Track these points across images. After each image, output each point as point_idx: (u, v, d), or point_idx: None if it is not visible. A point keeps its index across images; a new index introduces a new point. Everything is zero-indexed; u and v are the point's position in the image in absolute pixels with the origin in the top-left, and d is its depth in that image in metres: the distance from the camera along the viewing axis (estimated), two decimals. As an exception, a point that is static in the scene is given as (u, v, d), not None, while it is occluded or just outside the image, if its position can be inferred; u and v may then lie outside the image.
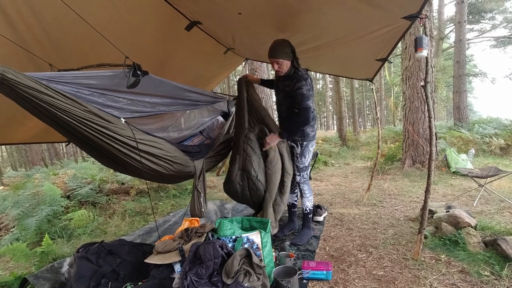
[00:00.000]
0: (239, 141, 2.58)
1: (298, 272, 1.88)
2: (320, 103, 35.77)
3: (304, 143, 2.56)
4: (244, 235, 1.97)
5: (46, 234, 2.77)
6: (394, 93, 16.33)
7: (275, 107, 2.84)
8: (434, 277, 1.93)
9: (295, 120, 2.44)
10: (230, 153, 2.77)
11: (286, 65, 2.41)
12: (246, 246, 1.91)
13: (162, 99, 2.09)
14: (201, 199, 2.27)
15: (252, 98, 2.67)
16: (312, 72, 4.12)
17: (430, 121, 2.23)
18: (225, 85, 17.17)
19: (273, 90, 2.84)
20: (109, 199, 4.38)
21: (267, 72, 7.64)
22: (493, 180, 3.84)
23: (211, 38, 2.83)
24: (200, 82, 3.61)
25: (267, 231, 2.07)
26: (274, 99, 2.78)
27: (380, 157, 5.54)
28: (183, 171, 2.18)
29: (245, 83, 2.69)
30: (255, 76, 6.70)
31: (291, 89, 2.39)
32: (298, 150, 2.58)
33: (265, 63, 6.50)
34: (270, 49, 2.39)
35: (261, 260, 1.94)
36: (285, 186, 2.56)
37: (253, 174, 2.49)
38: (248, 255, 1.76)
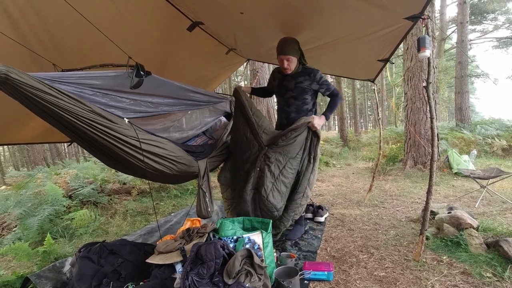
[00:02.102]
0: (256, 160, 2.46)
1: (299, 273, 1.88)
2: (321, 103, 35.73)
3: None
4: (246, 235, 1.97)
5: (48, 234, 2.78)
6: (395, 93, 16.30)
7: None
8: (436, 278, 1.92)
9: (334, 100, 2.55)
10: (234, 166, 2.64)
11: (294, 62, 2.44)
12: (247, 246, 1.91)
13: (165, 99, 2.09)
14: (207, 199, 2.27)
15: (254, 108, 2.54)
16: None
17: (432, 122, 2.23)
18: (226, 85, 17.16)
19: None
20: (110, 199, 4.39)
21: (269, 73, 7.66)
22: (495, 181, 3.83)
23: (213, 38, 2.84)
24: (201, 82, 3.62)
25: (269, 231, 2.07)
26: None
27: (382, 158, 5.53)
28: (186, 171, 2.18)
29: (242, 92, 2.53)
30: (256, 78, 6.72)
31: (309, 83, 2.47)
32: None
33: (266, 64, 6.51)
34: (281, 46, 2.39)
35: (262, 260, 1.94)
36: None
37: (263, 195, 2.38)
38: (249, 256, 1.76)
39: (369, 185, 4.06)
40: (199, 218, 2.81)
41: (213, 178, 5.83)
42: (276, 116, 2.92)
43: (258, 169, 2.44)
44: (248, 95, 2.73)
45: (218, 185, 2.93)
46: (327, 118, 2.51)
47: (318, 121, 2.40)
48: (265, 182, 2.38)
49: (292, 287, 1.74)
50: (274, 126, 2.72)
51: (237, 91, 2.54)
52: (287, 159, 2.43)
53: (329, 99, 2.60)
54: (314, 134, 2.46)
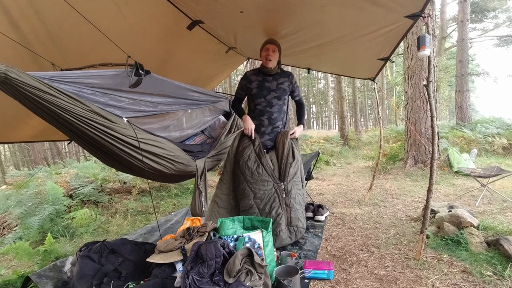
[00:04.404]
0: (276, 197, 2.48)
1: (299, 272, 1.88)
2: (321, 102, 35.76)
3: None
4: (246, 234, 1.97)
5: (49, 233, 2.78)
6: (396, 92, 16.28)
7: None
8: (436, 277, 1.92)
9: (304, 109, 2.83)
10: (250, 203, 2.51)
11: (277, 58, 2.56)
12: (247, 245, 1.91)
13: (164, 98, 2.10)
14: (202, 198, 2.28)
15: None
16: (314, 71, 4.12)
17: (432, 121, 2.22)
18: (226, 84, 17.14)
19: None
20: (111, 198, 4.39)
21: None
22: (496, 180, 3.82)
23: (213, 37, 2.83)
24: (201, 81, 3.62)
25: (269, 230, 2.07)
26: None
27: (382, 157, 5.52)
28: (185, 171, 2.18)
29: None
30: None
31: (288, 84, 2.61)
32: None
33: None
34: (268, 40, 2.53)
35: (262, 259, 1.94)
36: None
37: (301, 226, 2.52)
38: (249, 254, 1.76)
39: (370, 184, 4.06)
40: (199, 218, 2.81)
41: (214, 178, 5.84)
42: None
43: (284, 205, 2.49)
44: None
45: (215, 185, 2.91)
46: (304, 126, 2.79)
47: (300, 131, 2.69)
48: (298, 215, 2.52)
49: (293, 286, 1.74)
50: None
51: (255, 138, 2.54)
52: (299, 180, 2.62)
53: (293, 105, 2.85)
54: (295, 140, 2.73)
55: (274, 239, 2.36)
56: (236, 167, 2.55)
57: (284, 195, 2.49)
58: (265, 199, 2.47)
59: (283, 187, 2.50)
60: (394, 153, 6.72)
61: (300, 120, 2.80)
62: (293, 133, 2.63)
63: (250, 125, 2.52)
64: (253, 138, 2.51)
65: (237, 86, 2.71)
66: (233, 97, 3.02)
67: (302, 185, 2.76)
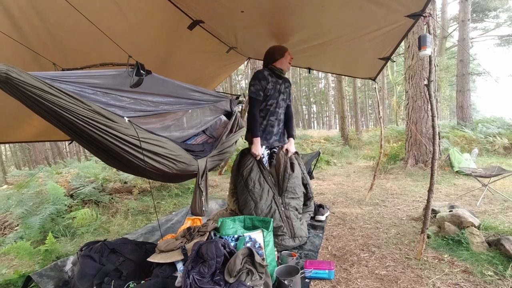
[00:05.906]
0: (276, 210, 2.51)
1: (300, 271, 1.88)
2: (322, 102, 35.74)
3: None
4: (247, 234, 1.98)
5: (50, 233, 2.78)
6: (396, 92, 16.27)
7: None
8: (437, 276, 1.92)
9: (293, 119, 2.92)
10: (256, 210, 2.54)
11: None
12: (248, 245, 1.91)
13: (165, 98, 2.09)
14: (203, 198, 2.27)
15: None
16: (315, 71, 4.13)
17: (433, 120, 2.22)
18: (227, 84, 17.16)
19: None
20: (112, 198, 4.40)
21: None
22: (497, 180, 3.81)
23: (214, 37, 2.83)
24: (202, 81, 3.62)
25: (269, 230, 2.07)
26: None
27: (383, 157, 5.51)
28: (186, 170, 2.18)
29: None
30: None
31: (290, 88, 2.79)
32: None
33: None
34: (284, 47, 2.62)
35: (263, 259, 1.94)
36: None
37: (304, 236, 2.55)
38: (250, 254, 1.76)
39: (370, 184, 4.06)
40: (200, 217, 2.81)
41: (214, 177, 5.84)
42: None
43: (285, 217, 2.52)
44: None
45: (217, 184, 2.92)
46: (294, 138, 2.87)
47: (293, 146, 2.79)
48: (299, 225, 2.56)
49: (293, 286, 1.74)
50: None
51: (260, 160, 2.59)
52: (299, 189, 2.67)
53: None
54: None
55: (276, 247, 2.37)
56: (240, 179, 2.62)
57: (283, 208, 2.54)
58: (265, 210, 2.50)
59: (281, 200, 2.56)
60: (395, 153, 6.72)
61: (290, 133, 2.84)
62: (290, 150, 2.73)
63: (258, 150, 2.54)
64: (257, 159, 2.58)
65: (254, 87, 2.54)
66: (234, 97, 3.02)
67: (308, 190, 2.83)
